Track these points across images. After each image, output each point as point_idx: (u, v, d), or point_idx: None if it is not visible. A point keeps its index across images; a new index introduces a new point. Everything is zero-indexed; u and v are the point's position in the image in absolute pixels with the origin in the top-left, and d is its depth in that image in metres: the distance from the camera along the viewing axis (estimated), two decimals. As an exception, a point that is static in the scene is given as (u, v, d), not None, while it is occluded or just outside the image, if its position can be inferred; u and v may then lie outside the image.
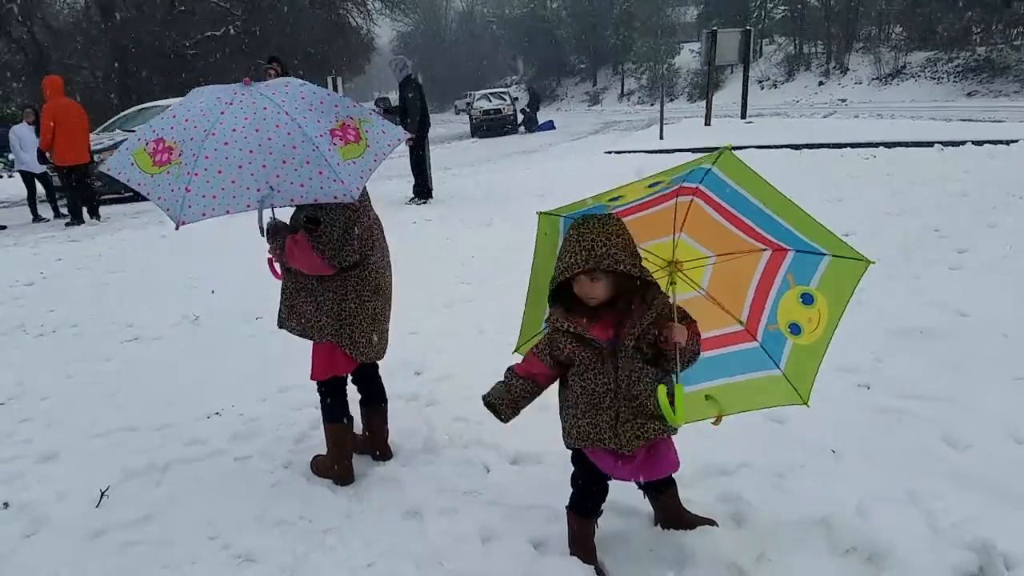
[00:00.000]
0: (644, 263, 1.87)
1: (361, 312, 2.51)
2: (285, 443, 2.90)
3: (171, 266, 6.23)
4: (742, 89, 19.74)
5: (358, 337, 2.52)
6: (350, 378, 2.72)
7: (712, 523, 2.13)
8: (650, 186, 1.80)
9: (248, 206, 2.13)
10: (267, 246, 2.47)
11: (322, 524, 2.34)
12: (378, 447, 2.78)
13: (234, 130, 2.15)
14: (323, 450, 2.69)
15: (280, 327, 2.62)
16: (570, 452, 2.00)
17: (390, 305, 2.68)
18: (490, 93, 28.37)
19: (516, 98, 27.95)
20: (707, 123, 18.28)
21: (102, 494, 2.52)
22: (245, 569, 2.14)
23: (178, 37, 24.07)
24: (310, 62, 24.51)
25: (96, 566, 2.19)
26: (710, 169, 1.73)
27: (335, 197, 2.14)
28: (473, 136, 25.89)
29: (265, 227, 2.35)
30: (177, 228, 2.16)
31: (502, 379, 2.01)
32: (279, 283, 2.61)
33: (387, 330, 2.68)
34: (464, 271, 5.58)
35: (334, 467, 2.62)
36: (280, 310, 2.59)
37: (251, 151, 2.13)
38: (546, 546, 2.14)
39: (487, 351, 3.82)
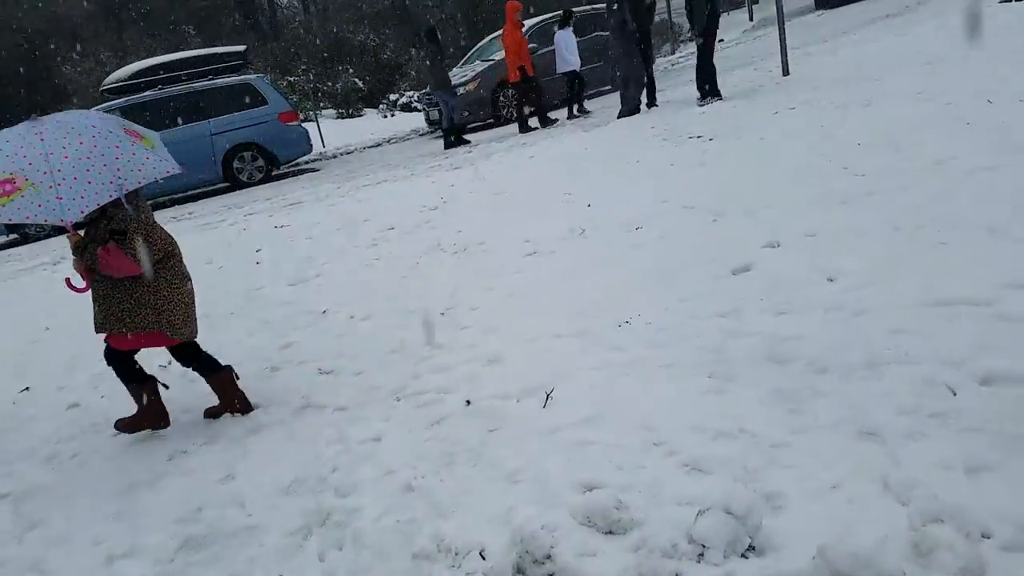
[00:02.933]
0: None
1: (175, 298, 2.97)
2: (704, 352, 2.85)
3: (545, 184, 6.63)
4: None
5: (176, 320, 2.98)
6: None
7: None
8: None
9: (110, 196, 2.63)
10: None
11: (767, 439, 2.24)
12: (230, 408, 3.19)
13: (65, 148, 2.60)
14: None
15: (99, 332, 2.98)
16: None
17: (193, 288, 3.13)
18: (838, -46, 24.54)
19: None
20: None
21: (547, 396, 2.76)
22: (697, 479, 2.15)
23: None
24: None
25: (556, 460, 2.39)
26: None
27: (167, 171, 2.89)
28: (817, 9, 22.84)
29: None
30: (71, 229, 2.67)
31: None
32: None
33: (195, 312, 3.13)
34: (854, 161, 4.91)
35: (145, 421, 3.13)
36: (95, 317, 2.97)
37: (89, 157, 2.61)
38: (1079, 487, 1.75)
39: (910, 251, 3.33)
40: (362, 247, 5.72)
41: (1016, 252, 3.07)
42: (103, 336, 3.04)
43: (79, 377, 3.92)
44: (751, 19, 27.13)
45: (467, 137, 11.95)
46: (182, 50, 16.65)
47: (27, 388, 3.86)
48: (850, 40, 12.28)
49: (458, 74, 14.39)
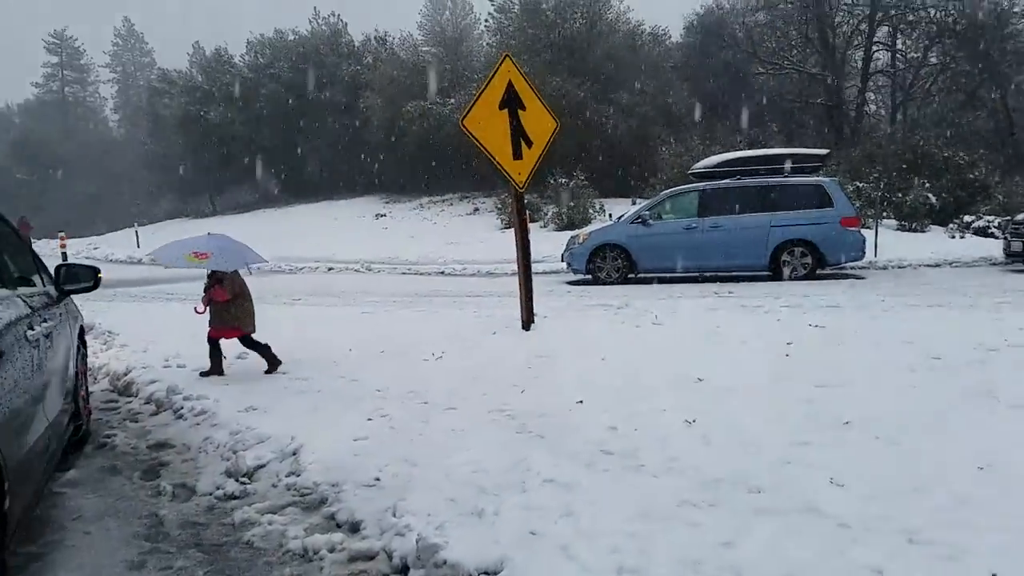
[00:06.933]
0: None
1: (244, 311, 6.44)
2: None
3: None
4: None
5: (245, 320, 6.45)
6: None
7: None
8: None
9: (241, 266, 6.34)
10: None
11: None
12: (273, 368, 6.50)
13: (222, 244, 6.30)
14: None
15: (210, 327, 6.41)
16: None
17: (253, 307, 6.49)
18: None
19: None
20: None
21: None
22: None
23: None
24: None
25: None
26: None
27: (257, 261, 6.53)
28: None
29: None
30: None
31: None
32: None
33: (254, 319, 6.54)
34: None
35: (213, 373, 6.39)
36: (211, 321, 6.41)
37: (233, 249, 6.38)
38: None
39: None
40: (903, 370, 5.50)
41: None
42: (208, 331, 6.40)
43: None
44: None
45: None
46: (763, 145, 18.06)
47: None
48: None
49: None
